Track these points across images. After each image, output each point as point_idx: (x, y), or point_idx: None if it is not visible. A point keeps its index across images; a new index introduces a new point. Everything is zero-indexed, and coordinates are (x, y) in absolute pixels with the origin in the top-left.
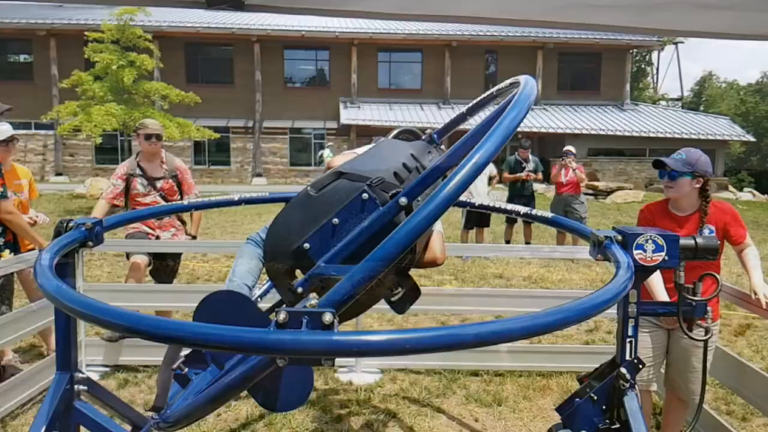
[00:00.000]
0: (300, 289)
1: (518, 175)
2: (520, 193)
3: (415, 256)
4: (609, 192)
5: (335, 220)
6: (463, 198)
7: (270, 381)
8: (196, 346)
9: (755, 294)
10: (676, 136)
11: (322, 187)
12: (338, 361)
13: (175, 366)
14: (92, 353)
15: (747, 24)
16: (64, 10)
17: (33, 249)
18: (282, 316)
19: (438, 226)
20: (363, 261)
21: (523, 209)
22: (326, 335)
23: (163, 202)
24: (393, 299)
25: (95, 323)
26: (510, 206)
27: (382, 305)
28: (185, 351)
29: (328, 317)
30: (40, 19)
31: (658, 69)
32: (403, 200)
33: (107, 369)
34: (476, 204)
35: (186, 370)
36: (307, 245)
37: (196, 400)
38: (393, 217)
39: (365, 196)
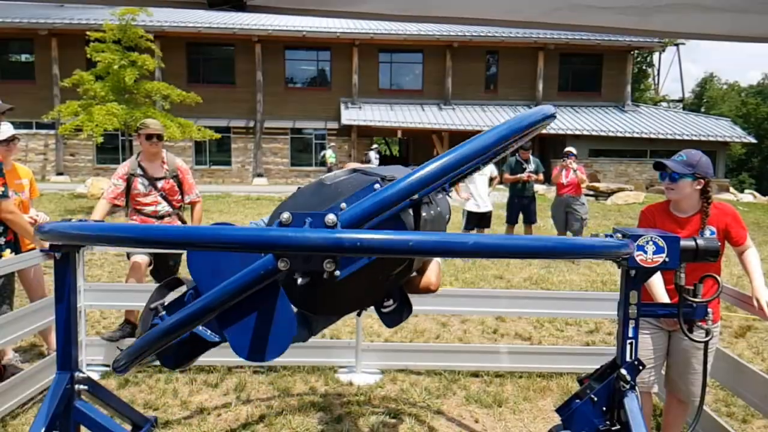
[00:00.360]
0: None
1: (519, 176)
2: (521, 194)
3: (410, 269)
4: (610, 193)
5: (343, 205)
6: (463, 198)
7: (256, 334)
8: (205, 246)
9: (757, 301)
10: (677, 137)
11: (336, 178)
12: (339, 361)
13: (153, 306)
14: (93, 353)
15: (747, 26)
16: (66, 10)
17: (34, 248)
18: (285, 216)
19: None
20: (370, 196)
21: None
22: (329, 232)
23: (163, 202)
24: (384, 310)
25: (106, 243)
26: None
27: None
28: (169, 299)
29: (331, 218)
30: (41, 19)
31: (659, 70)
32: (413, 195)
33: (108, 368)
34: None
35: (163, 313)
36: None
37: (159, 327)
38: (402, 209)
39: (377, 186)
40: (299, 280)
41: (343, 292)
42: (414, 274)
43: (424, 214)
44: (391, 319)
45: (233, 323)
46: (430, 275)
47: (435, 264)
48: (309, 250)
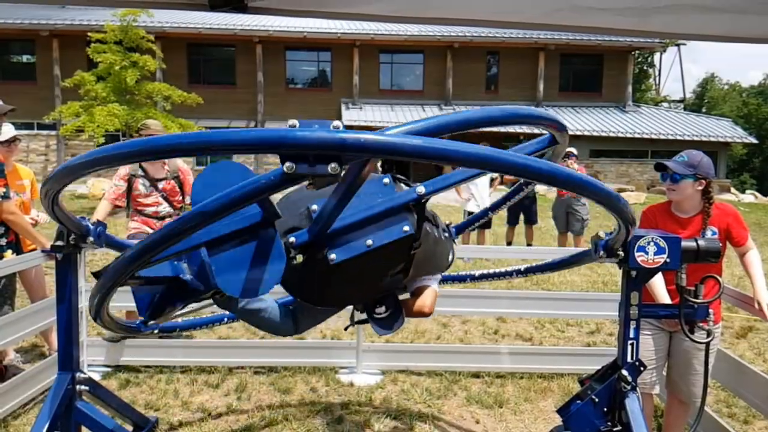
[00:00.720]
0: (292, 239)
1: None
2: None
3: (407, 272)
4: None
5: None
6: (464, 198)
7: (251, 274)
8: (214, 149)
9: (759, 304)
10: (678, 138)
11: None
12: (340, 362)
13: None
14: (94, 353)
15: (746, 26)
16: (67, 11)
17: (35, 249)
18: (292, 121)
19: (434, 285)
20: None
21: (523, 266)
22: (334, 132)
23: (164, 203)
24: (377, 317)
25: (118, 161)
26: (510, 268)
27: None
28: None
29: (337, 123)
30: (42, 20)
31: (660, 70)
32: (420, 189)
33: (109, 369)
34: (477, 275)
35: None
36: (315, 206)
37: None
38: (407, 202)
39: (386, 180)
40: (294, 261)
41: (337, 282)
42: (408, 296)
43: (427, 227)
44: (383, 326)
45: (224, 252)
46: (425, 300)
47: (431, 291)
48: (314, 147)
